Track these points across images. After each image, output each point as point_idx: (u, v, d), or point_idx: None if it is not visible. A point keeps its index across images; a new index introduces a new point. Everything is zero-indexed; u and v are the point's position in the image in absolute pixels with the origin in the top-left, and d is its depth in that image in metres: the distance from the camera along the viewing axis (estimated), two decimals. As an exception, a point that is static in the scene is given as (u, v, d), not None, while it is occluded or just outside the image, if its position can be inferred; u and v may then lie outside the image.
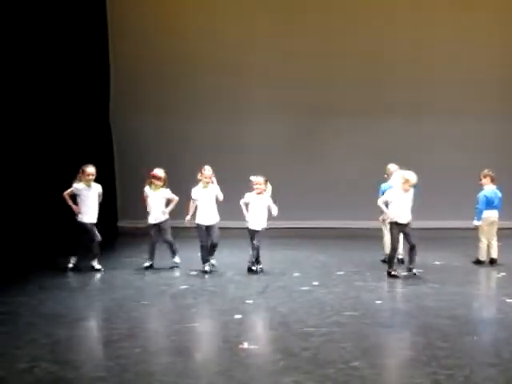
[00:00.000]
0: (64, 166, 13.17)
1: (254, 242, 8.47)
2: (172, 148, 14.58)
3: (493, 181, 9.29)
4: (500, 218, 9.36)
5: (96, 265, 8.82)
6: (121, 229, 14.19)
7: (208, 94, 14.58)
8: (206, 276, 8.36)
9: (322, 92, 14.37)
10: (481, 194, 9.21)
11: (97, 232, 8.95)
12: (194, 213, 8.64)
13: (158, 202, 8.95)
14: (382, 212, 9.39)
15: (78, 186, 8.86)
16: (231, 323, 6.04)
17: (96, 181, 9.11)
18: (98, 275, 8.50)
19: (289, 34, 14.36)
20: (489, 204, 9.13)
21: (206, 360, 5.09)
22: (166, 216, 8.95)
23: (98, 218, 9.08)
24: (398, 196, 8.36)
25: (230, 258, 9.51)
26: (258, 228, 8.52)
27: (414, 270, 8.33)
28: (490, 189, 9.22)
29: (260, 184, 8.50)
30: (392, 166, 9.54)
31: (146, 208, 9.10)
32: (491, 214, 9.17)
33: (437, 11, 14.21)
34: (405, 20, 14.25)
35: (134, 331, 5.70)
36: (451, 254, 9.97)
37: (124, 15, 14.57)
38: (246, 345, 5.26)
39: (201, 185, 8.67)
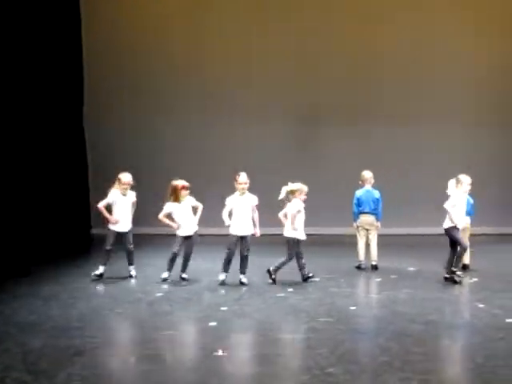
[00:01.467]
0: (37, 171, 13.07)
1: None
2: (148, 151, 14.52)
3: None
4: (472, 224, 9.50)
5: (132, 271, 8.87)
6: (95, 236, 14.05)
7: (185, 95, 14.56)
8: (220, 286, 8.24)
9: (306, 95, 14.49)
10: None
11: (131, 240, 8.84)
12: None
13: (188, 213, 8.49)
14: (355, 219, 9.52)
15: (113, 194, 8.72)
16: (206, 330, 6.02)
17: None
18: (73, 284, 8.39)
19: (271, 32, 14.46)
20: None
21: (181, 368, 5.07)
22: (197, 227, 8.60)
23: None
24: (460, 201, 8.51)
25: (206, 265, 9.49)
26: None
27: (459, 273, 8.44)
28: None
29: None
30: (366, 173, 9.66)
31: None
32: (465, 221, 9.30)
33: (437, 11, 14.43)
34: (399, 22, 14.45)
35: (109, 340, 5.66)
36: (425, 260, 10.08)
37: (98, 16, 14.46)
38: (221, 352, 5.25)
39: (237, 193, 8.35)
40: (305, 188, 8.48)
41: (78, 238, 13.16)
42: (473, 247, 9.42)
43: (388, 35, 14.43)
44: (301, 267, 8.39)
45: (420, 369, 4.82)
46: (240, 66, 14.64)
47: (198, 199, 8.62)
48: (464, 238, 9.24)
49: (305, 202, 8.43)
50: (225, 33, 14.56)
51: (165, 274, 8.47)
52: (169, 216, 8.48)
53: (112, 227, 8.76)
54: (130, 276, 8.85)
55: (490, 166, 14.25)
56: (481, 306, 6.97)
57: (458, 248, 8.47)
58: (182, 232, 8.49)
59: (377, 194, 9.48)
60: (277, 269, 8.33)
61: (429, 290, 7.94)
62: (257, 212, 8.37)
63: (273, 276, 8.32)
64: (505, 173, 14.40)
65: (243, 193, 8.32)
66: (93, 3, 14.44)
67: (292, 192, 8.42)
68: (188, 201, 8.50)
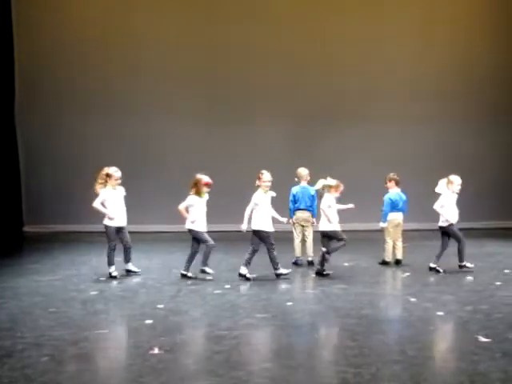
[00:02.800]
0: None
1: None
2: (80, 148, 14.25)
3: (397, 184, 9.68)
4: (405, 220, 9.76)
5: (133, 267, 8.72)
6: (26, 234, 13.66)
7: (115, 93, 14.39)
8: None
9: (238, 98, 14.55)
10: (386, 197, 9.59)
11: (128, 236, 8.63)
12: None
13: (204, 209, 8.60)
14: (291, 216, 9.59)
15: (105, 192, 8.46)
16: (142, 328, 5.95)
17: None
18: (3, 283, 8.12)
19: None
20: (394, 206, 9.52)
21: (116, 367, 4.98)
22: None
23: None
24: (448, 200, 8.90)
25: (143, 263, 9.37)
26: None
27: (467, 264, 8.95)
28: (394, 192, 9.61)
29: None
30: (302, 170, 9.77)
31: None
32: (396, 216, 9.56)
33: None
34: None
35: (40, 340, 5.50)
36: (359, 256, 10.29)
37: (29, 13, 14.09)
38: (156, 350, 5.20)
39: (261, 190, 8.43)
40: (341, 186, 8.70)
41: (10, 236, 12.76)
42: (405, 242, 9.68)
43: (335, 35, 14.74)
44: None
45: (354, 362, 4.91)
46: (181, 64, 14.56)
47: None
48: (396, 234, 9.51)
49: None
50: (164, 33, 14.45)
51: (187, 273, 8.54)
52: (186, 209, 8.50)
53: (110, 223, 8.50)
54: (134, 272, 8.66)
55: (423, 162, 14.70)
56: (412, 299, 7.17)
57: (459, 243, 8.93)
58: (200, 227, 8.49)
59: (312, 190, 9.60)
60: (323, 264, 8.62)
61: (363, 285, 8.11)
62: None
63: (325, 272, 8.62)
64: (436, 168, 14.86)
65: (267, 191, 8.47)
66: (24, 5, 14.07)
67: (328, 187, 8.62)
68: (206, 198, 8.62)
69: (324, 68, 14.79)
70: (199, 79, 14.58)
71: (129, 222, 8.72)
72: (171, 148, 14.41)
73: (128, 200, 8.74)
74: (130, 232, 8.77)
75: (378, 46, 14.84)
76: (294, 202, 9.66)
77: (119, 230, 8.56)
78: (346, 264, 9.63)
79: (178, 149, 14.40)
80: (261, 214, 8.40)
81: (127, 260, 8.74)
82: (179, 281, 8.31)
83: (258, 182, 8.50)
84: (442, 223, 8.97)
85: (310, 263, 9.58)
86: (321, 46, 14.77)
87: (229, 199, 12.52)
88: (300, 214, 9.62)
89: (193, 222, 8.47)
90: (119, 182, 8.56)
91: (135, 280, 8.36)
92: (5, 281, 8.25)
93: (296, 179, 9.73)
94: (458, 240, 8.94)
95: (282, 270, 8.50)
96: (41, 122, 14.20)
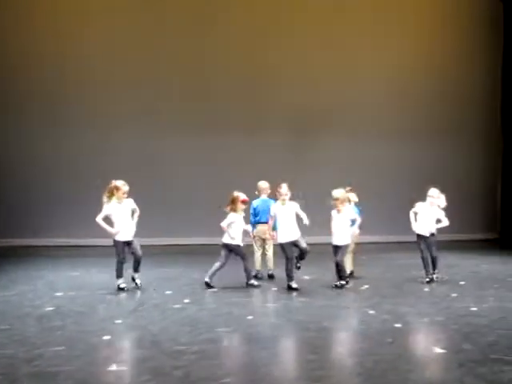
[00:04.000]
0: None
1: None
2: (38, 160, 14.06)
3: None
4: (361, 232, 9.87)
5: (137, 279, 8.59)
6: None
7: (91, 104, 14.31)
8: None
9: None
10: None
11: (138, 248, 8.48)
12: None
13: (242, 225, 8.89)
14: (251, 229, 9.59)
15: (110, 206, 8.32)
16: (99, 345, 5.84)
17: None
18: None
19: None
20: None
21: (72, 384, 4.88)
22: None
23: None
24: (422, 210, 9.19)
25: (100, 276, 9.23)
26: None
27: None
28: (350, 206, 9.70)
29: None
30: (263, 183, 9.79)
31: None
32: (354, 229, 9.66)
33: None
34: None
35: (-7, 358, 5.35)
36: (319, 269, 10.34)
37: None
38: (114, 367, 5.11)
39: (279, 202, 8.73)
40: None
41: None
42: (363, 255, 9.78)
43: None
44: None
45: (314, 376, 4.92)
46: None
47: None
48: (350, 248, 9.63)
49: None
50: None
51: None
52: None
53: (117, 238, 8.37)
54: (136, 285, 8.52)
55: (381, 176, 14.98)
56: (371, 312, 7.24)
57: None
58: (240, 242, 8.76)
59: (273, 204, 9.62)
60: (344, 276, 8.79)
61: (323, 298, 8.15)
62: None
63: (345, 282, 8.80)
64: (387, 185, 15.17)
65: (284, 203, 8.67)
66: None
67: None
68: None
69: (310, 83, 15.00)
70: (191, 91, 14.58)
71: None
72: (162, 160, 14.38)
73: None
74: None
75: (364, 62, 15.18)
76: (255, 215, 9.67)
77: (128, 243, 8.45)
78: (306, 277, 9.66)
79: (168, 161, 14.39)
80: (279, 224, 8.73)
81: (135, 269, 8.63)
82: (139, 295, 8.20)
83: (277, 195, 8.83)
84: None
85: (271, 276, 9.59)
86: (308, 59, 14.98)
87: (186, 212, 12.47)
88: (261, 228, 9.62)
89: (233, 239, 8.65)
90: (125, 196, 8.43)
91: (94, 295, 8.22)
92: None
93: (256, 192, 9.75)
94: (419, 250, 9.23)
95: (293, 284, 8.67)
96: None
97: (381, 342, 5.93)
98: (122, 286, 8.45)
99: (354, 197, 9.56)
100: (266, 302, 8.29)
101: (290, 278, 8.64)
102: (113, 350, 5.67)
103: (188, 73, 14.72)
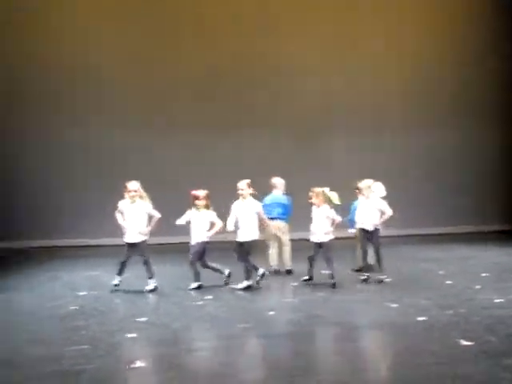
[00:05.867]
0: None
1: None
2: (44, 159, 14.16)
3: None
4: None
5: (147, 286, 8.40)
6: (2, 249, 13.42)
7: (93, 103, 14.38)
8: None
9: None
10: (354, 204, 9.61)
11: (142, 251, 8.39)
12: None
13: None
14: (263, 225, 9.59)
15: (121, 203, 8.35)
16: (123, 343, 5.86)
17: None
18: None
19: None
20: None
21: (97, 382, 4.89)
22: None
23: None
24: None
25: (124, 275, 9.25)
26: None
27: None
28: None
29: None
30: (276, 179, 9.83)
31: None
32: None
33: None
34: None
35: (16, 357, 5.38)
36: (337, 263, 10.27)
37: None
38: (138, 364, 5.13)
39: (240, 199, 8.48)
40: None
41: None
42: (383, 248, 9.71)
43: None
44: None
45: (336, 371, 4.90)
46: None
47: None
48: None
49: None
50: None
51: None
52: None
53: (124, 238, 8.38)
54: (146, 290, 8.34)
55: (394, 172, 14.91)
56: (393, 305, 7.19)
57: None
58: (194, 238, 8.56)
59: (285, 199, 9.61)
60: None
61: (343, 292, 8.12)
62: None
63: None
64: (405, 178, 15.07)
65: (244, 200, 8.44)
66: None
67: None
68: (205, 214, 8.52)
69: (310, 81, 14.94)
70: (190, 90, 14.60)
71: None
72: (161, 160, 14.42)
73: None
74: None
75: (366, 59, 15.08)
76: (267, 211, 9.62)
77: (132, 245, 8.38)
78: (324, 271, 9.61)
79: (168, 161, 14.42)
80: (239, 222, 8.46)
81: (147, 275, 8.47)
82: (160, 294, 8.22)
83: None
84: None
85: (289, 272, 9.59)
86: (308, 59, 14.92)
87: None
88: (274, 223, 9.58)
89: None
90: (133, 194, 8.30)
91: (114, 293, 8.25)
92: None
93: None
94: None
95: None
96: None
97: (404, 335, 5.90)
98: (114, 282, 8.38)
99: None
100: (285, 298, 8.26)
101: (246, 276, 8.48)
102: (135, 347, 5.69)
103: (194, 73, 14.71)
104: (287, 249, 9.67)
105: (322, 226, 8.55)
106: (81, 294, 8.28)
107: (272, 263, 9.65)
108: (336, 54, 15.13)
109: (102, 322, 6.68)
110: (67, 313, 7.17)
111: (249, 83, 14.76)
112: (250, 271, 8.42)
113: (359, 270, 9.45)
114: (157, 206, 8.39)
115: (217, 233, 8.47)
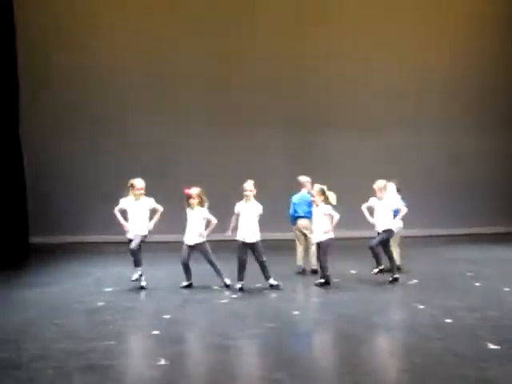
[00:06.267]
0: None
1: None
2: (85, 157, 14.33)
3: (397, 191, 9.66)
4: (405, 227, 9.74)
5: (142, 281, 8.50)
6: (32, 245, 13.65)
7: (117, 103, 14.47)
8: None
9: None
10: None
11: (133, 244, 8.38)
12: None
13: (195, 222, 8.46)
14: (294, 223, 9.56)
15: (124, 201, 8.43)
16: (149, 339, 5.92)
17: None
18: (9, 295, 8.10)
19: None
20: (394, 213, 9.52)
21: (123, 378, 4.95)
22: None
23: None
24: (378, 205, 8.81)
25: (150, 272, 9.34)
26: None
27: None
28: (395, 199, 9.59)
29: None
30: (302, 177, 9.76)
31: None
32: (398, 224, 9.56)
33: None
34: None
35: (46, 351, 5.48)
36: (365, 263, 10.22)
37: (31, 21, 14.12)
38: (163, 361, 5.18)
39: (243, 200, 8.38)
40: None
41: (15, 248, 12.76)
42: (411, 249, 9.65)
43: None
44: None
45: (364, 370, 4.88)
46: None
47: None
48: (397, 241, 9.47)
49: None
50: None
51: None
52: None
53: (127, 234, 8.48)
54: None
55: (425, 171, 14.74)
56: (420, 306, 7.13)
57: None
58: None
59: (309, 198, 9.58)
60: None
61: (370, 292, 8.07)
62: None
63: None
64: (437, 178, 14.88)
65: (247, 201, 8.32)
66: (26, 8, 14.09)
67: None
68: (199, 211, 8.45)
69: (314, 80, 14.83)
70: (200, 89, 14.65)
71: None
72: (171, 158, 14.48)
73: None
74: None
75: (366, 58, 14.89)
76: (295, 210, 9.63)
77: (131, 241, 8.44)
78: (353, 271, 9.59)
79: (178, 159, 14.49)
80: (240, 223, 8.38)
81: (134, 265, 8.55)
82: (186, 291, 8.28)
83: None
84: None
85: (314, 272, 9.54)
86: (314, 59, 14.85)
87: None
88: (300, 222, 9.58)
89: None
90: (141, 192, 8.37)
91: (142, 290, 8.33)
92: (10, 292, 8.25)
93: (299, 187, 9.72)
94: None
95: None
96: (46, 131, 14.26)
97: (430, 337, 5.84)
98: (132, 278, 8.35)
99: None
100: (311, 297, 8.26)
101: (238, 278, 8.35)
102: (162, 344, 5.74)
103: (209, 74, 14.74)
104: (313, 248, 9.64)
105: (321, 225, 8.52)
106: (108, 289, 8.36)
107: (299, 263, 9.64)
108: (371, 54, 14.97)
109: (129, 318, 6.76)
110: (95, 308, 7.27)
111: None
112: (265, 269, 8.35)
113: (388, 271, 9.40)
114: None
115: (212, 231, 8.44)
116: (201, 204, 8.43)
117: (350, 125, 14.77)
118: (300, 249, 9.69)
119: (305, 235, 9.64)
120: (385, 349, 5.65)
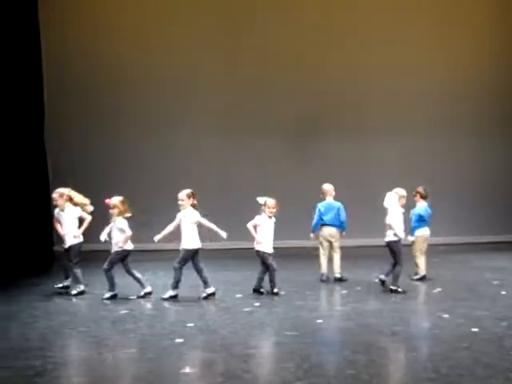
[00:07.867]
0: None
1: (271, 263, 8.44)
2: (111, 166, 14.41)
3: (425, 198, 9.57)
4: (432, 234, 9.64)
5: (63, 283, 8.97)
6: (56, 253, 13.74)
7: (139, 108, 14.55)
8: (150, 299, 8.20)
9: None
10: (415, 211, 9.47)
11: (70, 257, 8.91)
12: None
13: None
14: (315, 231, 9.54)
15: (56, 210, 8.89)
16: (171, 348, 5.92)
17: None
18: (33, 303, 8.16)
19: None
20: (422, 220, 9.42)
21: (146, 386, 4.95)
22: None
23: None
24: (399, 214, 8.56)
25: (168, 279, 9.35)
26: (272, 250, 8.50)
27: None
28: (422, 206, 9.50)
29: (274, 207, 8.45)
30: (326, 186, 9.72)
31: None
32: (426, 232, 9.47)
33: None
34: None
35: (70, 359, 5.51)
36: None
37: (56, 25, 14.21)
38: (187, 369, 5.16)
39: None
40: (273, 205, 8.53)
41: (40, 256, 12.88)
42: (435, 257, 9.54)
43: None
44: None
45: (386, 381, 4.81)
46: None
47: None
48: (424, 249, 9.39)
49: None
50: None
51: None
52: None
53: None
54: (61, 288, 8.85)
55: (447, 177, 14.55)
56: (445, 315, 7.03)
57: (396, 266, 8.55)
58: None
59: (337, 205, 9.54)
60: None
61: (393, 301, 7.99)
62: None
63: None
64: (460, 184, 14.69)
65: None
66: (52, 7, 14.25)
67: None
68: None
69: (319, 82, 14.74)
70: (209, 92, 14.65)
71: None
72: (176, 161, 14.50)
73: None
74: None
75: (370, 58, 14.78)
76: (321, 217, 9.59)
77: (66, 250, 9.09)
78: (376, 280, 9.49)
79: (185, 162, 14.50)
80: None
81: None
82: (209, 299, 8.26)
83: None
84: (389, 238, 8.59)
85: (338, 279, 9.48)
86: (317, 59, 14.76)
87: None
88: (326, 230, 9.55)
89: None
90: (84, 202, 9.10)
91: (165, 299, 8.33)
92: (35, 300, 8.31)
93: (321, 195, 9.68)
94: (398, 261, 8.53)
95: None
96: (70, 138, 14.33)
97: (456, 346, 5.76)
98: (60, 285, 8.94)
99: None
100: (334, 306, 8.20)
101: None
102: (185, 353, 5.73)
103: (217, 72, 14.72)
104: (337, 256, 9.59)
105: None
106: (131, 297, 8.38)
107: (323, 271, 9.58)
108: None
109: (152, 326, 6.76)
110: (118, 316, 7.28)
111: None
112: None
113: (420, 279, 9.34)
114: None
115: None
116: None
117: (351, 128, 14.67)
118: (324, 256, 9.64)
119: (330, 242, 9.59)
120: (409, 358, 5.57)
